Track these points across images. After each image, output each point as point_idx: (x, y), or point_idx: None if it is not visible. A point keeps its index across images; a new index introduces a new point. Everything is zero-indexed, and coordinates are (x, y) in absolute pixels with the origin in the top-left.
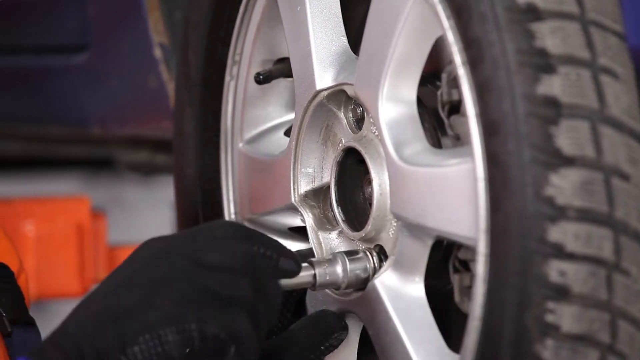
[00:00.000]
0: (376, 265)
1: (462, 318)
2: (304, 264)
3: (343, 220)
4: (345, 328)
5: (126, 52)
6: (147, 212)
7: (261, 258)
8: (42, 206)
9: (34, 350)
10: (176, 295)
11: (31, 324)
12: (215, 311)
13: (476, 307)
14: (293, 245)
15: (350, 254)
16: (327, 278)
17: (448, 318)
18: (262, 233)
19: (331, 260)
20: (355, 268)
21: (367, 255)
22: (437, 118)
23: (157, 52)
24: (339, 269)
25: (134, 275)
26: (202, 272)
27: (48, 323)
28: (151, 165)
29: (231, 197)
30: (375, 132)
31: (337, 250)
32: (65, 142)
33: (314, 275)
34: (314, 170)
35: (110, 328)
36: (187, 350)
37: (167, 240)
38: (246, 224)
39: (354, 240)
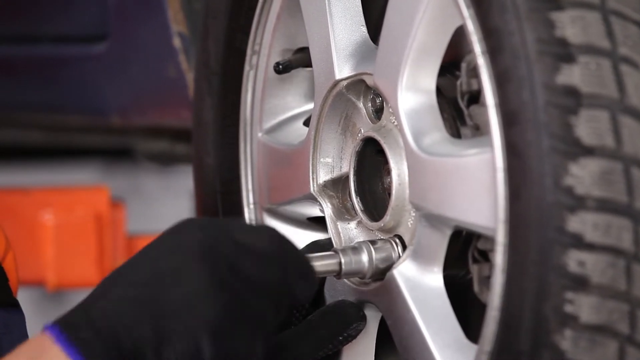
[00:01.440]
0: (400, 254)
1: (481, 308)
2: (330, 252)
3: (362, 210)
4: (363, 318)
5: (145, 41)
6: (166, 202)
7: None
8: (61, 196)
9: (67, 322)
10: (219, 306)
11: (14, 305)
12: (252, 334)
13: (495, 297)
14: (312, 236)
15: (375, 242)
16: (353, 266)
17: (467, 308)
18: (294, 247)
19: (356, 248)
20: (381, 257)
21: (392, 244)
22: (456, 108)
23: (176, 42)
24: (364, 257)
25: (174, 267)
26: (244, 286)
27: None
28: (170, 154)
29: (250, 187)
30: (394, 122)
31: (356, 240)
32: (85, 132)
33: (340, 264)
34: (333, 160)
35: (148, 323)
36: None
37: (209, 232)
38: (265, 213)
39: (372, 230)
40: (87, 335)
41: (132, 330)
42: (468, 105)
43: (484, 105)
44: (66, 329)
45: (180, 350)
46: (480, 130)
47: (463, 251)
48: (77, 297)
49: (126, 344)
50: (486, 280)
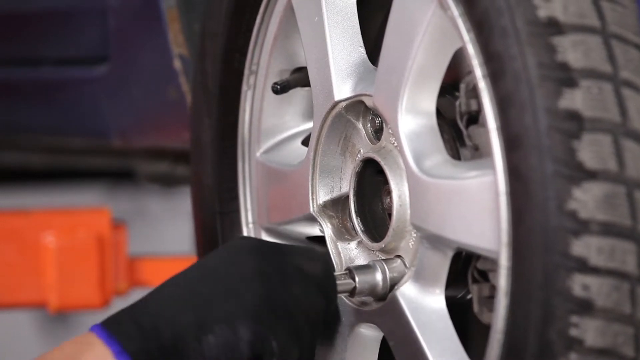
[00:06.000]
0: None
1: (481, 328)
2: (344, 272)
3: (362, 231)
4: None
5: (146, 63)
6: (167, 224)
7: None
8: (62, 217)
9: (110, 319)
10: (260, 293)
11: None
12: (289, 325)
13: (498, 320)
14: None
15: (388, 261)
16: (367, 285)
17: (466, 328)
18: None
19: (370, 267)
20: (394, 276)
21: (403, 263)
22: (456, 129)
23: (177, 64)
24: (378, 276)
25: (221, 266)
26: (289, 279)
27: (68, 334)
28: (172, 176)
29: (249, 207)
30: (394, 143)
31: (357, 260)
32: (86, 154)
33: (355, 283)
34: (333, 181)
35: (190, 313)
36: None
37: (258, 241)
38: (264, 233)
39: (373, 250)
40: (127, 328)
41: (172, 320)
42: (467, 126)
43: (483, 125)
44: (108, 325)
45: (220, 335)
46: (479, 151)
47: (462, 272)
48: (79, 319)
49: (166, 334)
50: (486, 301)
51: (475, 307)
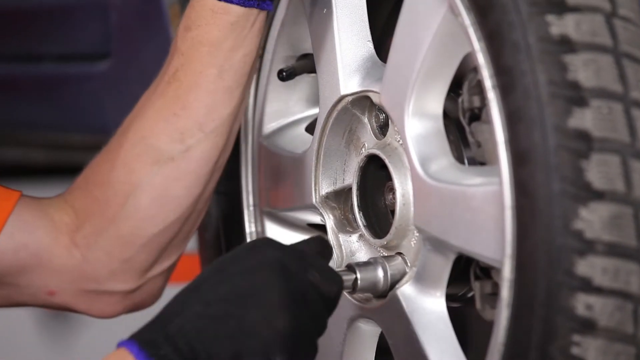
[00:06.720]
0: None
1: (480, 324)
2: (345, 268)
3: (364, 226)
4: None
5: (148, 59)
6: None
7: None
8: None
9: (146, 340)
10: (291, 324)
11: None
12: (312, 353)
13: (500, 331)
14: None
15: (389, 258)
16: (368, 282)
17: (466, 325)
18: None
19: (372, 264)
20: (394, 274)
21: (404, 260)
22: (460, 130)
23: None
24: (380, 273)
25: (254, 286)
26: (312, 306)
27: (69, 333)
28: None
29: (250, 189)
30: (399, 141)
31: (358, 253)
32: (88, 150)
33: (356, 280)
34: (336, 173)
35: (226, 339)
36: None
37: (279, 251)
38: (264, 216)
39: (374, 246)
40: (166, 351)
41: (209, 347)
42: (470, 123)
43: (485, 122)
44: (145, 345)
45: None
46: (481, 148)
47: (464, 270)
48: (80, 318)
49: (201, 357)
50: (488, 298)
51: (478, 304)
